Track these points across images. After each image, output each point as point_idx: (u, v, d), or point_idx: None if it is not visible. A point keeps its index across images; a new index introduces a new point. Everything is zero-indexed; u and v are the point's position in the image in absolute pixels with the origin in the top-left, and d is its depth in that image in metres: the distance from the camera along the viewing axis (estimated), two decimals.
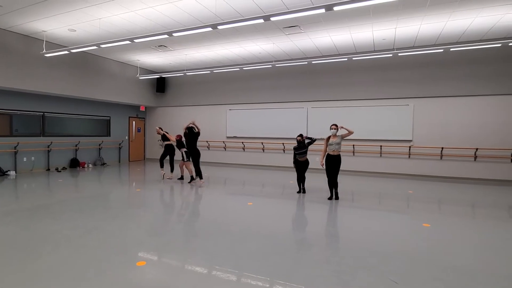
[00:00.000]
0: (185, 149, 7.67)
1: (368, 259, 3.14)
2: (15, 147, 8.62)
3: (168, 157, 8.28)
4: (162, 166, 8.22)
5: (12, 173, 8.41)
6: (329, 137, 5.81)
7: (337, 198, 5.80)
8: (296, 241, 3.75)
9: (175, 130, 12.77)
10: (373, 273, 2.82)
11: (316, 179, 7.59)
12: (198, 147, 7.42)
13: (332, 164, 5.74)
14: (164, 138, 8.18)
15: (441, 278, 2.75)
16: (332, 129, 5.78)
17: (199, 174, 7.19)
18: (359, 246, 3.50)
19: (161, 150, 8.46)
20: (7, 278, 2.63)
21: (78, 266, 2.86)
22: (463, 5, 5.82)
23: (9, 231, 3.84)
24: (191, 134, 7.28)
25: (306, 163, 6.42)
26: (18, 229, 3.92)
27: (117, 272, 2.78)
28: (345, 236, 4.02)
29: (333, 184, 5.79)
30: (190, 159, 7.49)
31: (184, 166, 7.93)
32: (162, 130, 8.32)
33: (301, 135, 6.44)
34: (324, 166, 5.84)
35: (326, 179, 5.92)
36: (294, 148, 6.44)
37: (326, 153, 5.81)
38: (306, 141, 6.42)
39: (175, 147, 8.12)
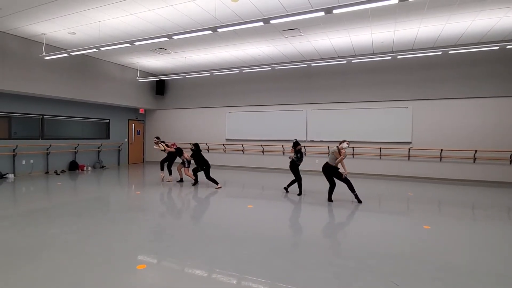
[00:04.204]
0: (184, 157, 7.91)
1: (369, 260, 3.13)
2: (13, 150, 8.58)
3: (168, 162, 8.27)
4: (162, 168, 8.21)
5: (11, 176, 8.38)
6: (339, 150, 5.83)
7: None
8: (296, 243, 3.74)
9: (175, 132, 12.78)
10: (374, 275, 2.81)
11: (315, 181, 7.58)
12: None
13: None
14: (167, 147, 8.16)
15: (442, 278, 2.74)
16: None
17: (215, 182, 7.35)
18: (360, 248, 3.49)
19: (161, 153, 8.44)
20: (5, 284, 2.61)
21: (78, 270, 2.84)
22: (461, 8, 5.87)
23: (7, 235, 3.82)
24: (199, 150, 7.51)
25: None
26: (16, 233, 3.89)
27: (117, 275, 2.76)
28: (346, 238, 4.01)
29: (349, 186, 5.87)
30: (190, 165, 7.81)
31: (183, 170, 7.97)
32: (159, 140, 8.25)
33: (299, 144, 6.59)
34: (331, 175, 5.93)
35: (327, 182, 5.99)
36: (298, 158, 6.51)
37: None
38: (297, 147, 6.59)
39: (176, 154, 8.14)
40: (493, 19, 6.37)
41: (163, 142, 8.19)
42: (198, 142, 7.71)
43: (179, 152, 8.00)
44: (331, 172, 5.82)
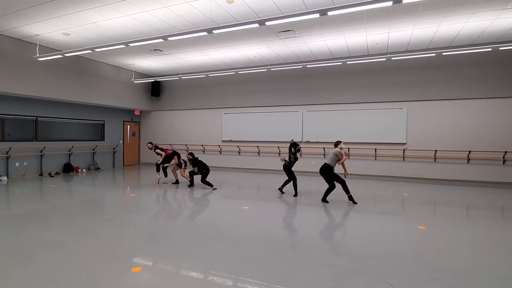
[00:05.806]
0: (181, 159, 7.95)
1: (365, 261, 3.14)
2: (7, 152, 8.48)
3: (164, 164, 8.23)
4: (158, 170, 8.17)
5: (4, 178, 8.27)
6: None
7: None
8: (292, 244, 3.74)
9: (171, 134, 12.73)
10: (370, 276, 2.82)
11: (310, 183, 7.60)
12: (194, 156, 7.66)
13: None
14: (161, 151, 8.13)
15: (439, 279, 2.76)
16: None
17: (210, 185, 7.37)
18: (356, 249, 3.50)
19: (157, 155, 8.39)
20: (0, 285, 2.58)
21: (72, 273, 2.81)
22: (454, 11, 5.94)
23: (1, 237, 3.77)
24: (196, 157, 7.60)
25: None
26: (10, 235, 3.84)
27: (112, 278, 2.73)
28: (342, 238, 4.03)
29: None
30: (186, 167, 7.88)
31: (179, 172, 7.94)
32: (153, 145, 8.19)
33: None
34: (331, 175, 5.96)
35: (323, 183, 6.02)
36: (295, 158, 6.58)
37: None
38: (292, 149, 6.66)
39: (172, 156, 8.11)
40: (486, 21, 6.45)
41: (156, 146, 8.13)
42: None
43: (177, 155, 7.97)
44: (331, 173, 5.83)
